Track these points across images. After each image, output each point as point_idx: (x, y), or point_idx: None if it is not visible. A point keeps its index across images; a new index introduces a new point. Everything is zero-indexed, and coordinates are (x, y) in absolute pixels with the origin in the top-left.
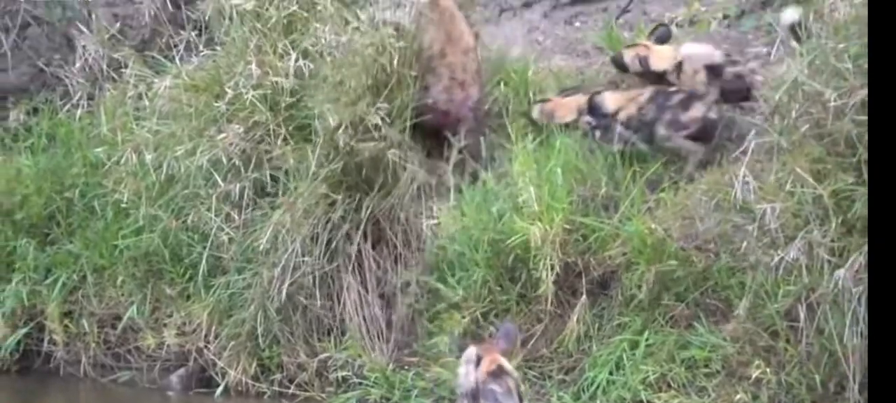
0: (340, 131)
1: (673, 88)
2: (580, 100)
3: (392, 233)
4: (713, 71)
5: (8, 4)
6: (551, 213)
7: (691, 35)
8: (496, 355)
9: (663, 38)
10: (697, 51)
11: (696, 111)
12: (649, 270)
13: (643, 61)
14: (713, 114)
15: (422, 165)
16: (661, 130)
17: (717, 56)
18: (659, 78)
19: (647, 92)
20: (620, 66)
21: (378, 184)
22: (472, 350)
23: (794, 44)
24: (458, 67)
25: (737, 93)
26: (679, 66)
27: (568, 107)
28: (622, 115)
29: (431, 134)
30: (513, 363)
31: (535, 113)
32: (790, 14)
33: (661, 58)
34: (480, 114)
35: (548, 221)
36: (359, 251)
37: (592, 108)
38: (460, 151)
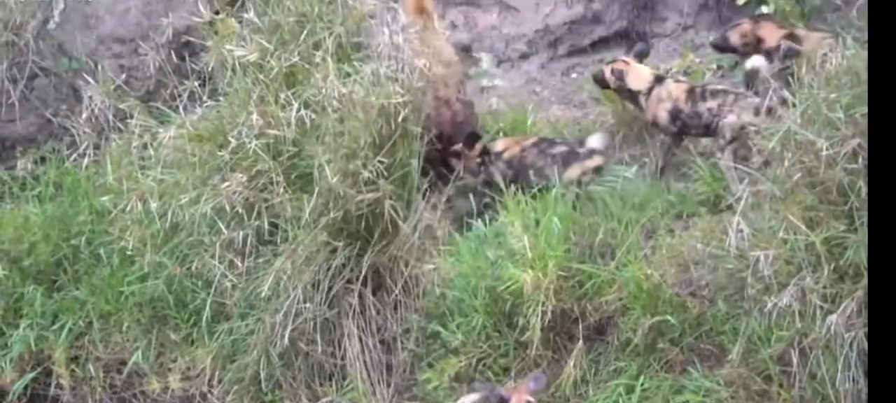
0: (339, 181)
1: (559, 141)
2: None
3: (391, 281)
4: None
5: (16, 56)
6: (545, 261)
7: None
8: (525, 395)
9: (642, 54)
10: (667, 86)
11: (573, 171)
12: (645, 316)
13: (620, 76)
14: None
15: (420, 212)
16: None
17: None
18: (632, 96)
19: (532, 139)
20: (601, 82)
21: (378, 232)
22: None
23: (746, 89)
24: (441, 82)
25: (697, 128)
26: (650, 91)
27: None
28: (506, 155)
29: (427, 159)
30: None
31: None
32: (754, 61)
33: (638, 77)
34: (468, 128)
35: (540, 268)
36: (360, 297)
37: (485, 151)
38: (460, 177)
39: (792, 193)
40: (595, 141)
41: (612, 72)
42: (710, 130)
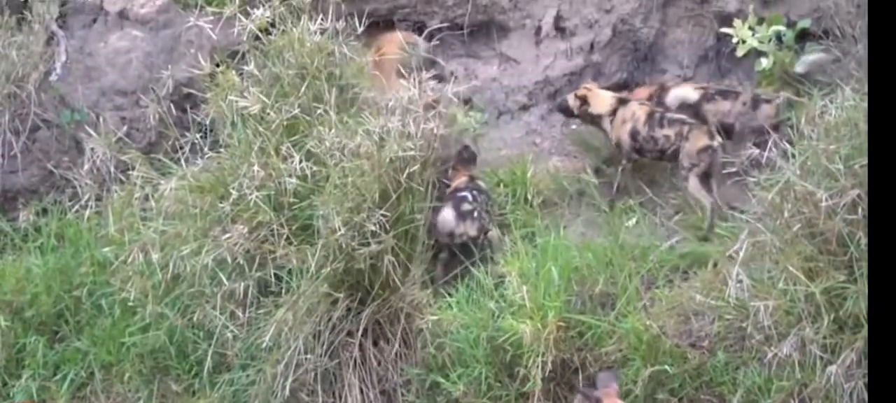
0: (341, 234)
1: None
2: None
3: (392, 332)
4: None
5: (18, 108)
6: (544, 311)
7: None
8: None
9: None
10: (631, 107)
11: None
12: (645, 366)
13: (583, 101)
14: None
15: (422, 265)
16: None
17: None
18: (595, 120)
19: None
20: (565, 110)
21: (378, 284)
22: None
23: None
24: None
25: (652, 152)
26: (613, 113)
27: None
28: None
29: None
30: None
31: None
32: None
33: (600, 102)
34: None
35: (539, 319)
36: (360, 348)
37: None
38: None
39: (792, 244)
40: None
41: (577, 99)
42: (665, 156)
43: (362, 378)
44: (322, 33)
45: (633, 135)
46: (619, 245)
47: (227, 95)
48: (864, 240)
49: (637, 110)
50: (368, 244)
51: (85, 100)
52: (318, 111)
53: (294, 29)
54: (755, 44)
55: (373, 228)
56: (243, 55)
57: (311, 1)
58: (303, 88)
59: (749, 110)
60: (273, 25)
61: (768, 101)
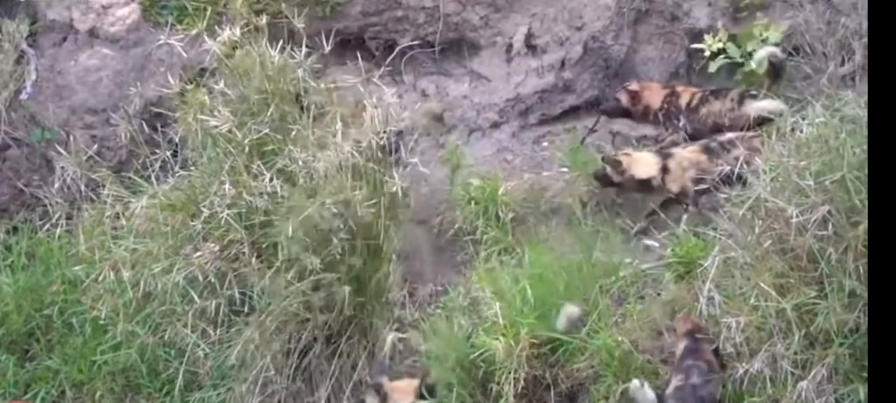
0: (308, 254)
1: None
2: None
3: (363, 350)
4: None
5: None
6: (516, 328)
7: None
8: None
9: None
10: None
11: None
12: (617, 383)
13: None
14: None
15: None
16: None
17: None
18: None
19: None
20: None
21: (349, 304)
22: None
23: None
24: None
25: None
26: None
27: None
28: None
29: None
30: None
31: None
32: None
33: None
34: None
35: (512, 336)
36: (330, 366)
37: None
38: None
39: (762, 260)
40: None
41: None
42: None
43: (331, 398)
44: (286, 53)
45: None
46: (591, 261)
47: (197, 114)
48: (835, 256)
49: None
50: (337, 264)
51: (55, 118)
52: (292, 131)
53: (254, 51)
54: (734, 55)
55: (339, 251)
56: (213, 73)
57: (280, 21)
58: (271, 109)
59: (737, 107)
60: (235, 48)
61: (754, 96)
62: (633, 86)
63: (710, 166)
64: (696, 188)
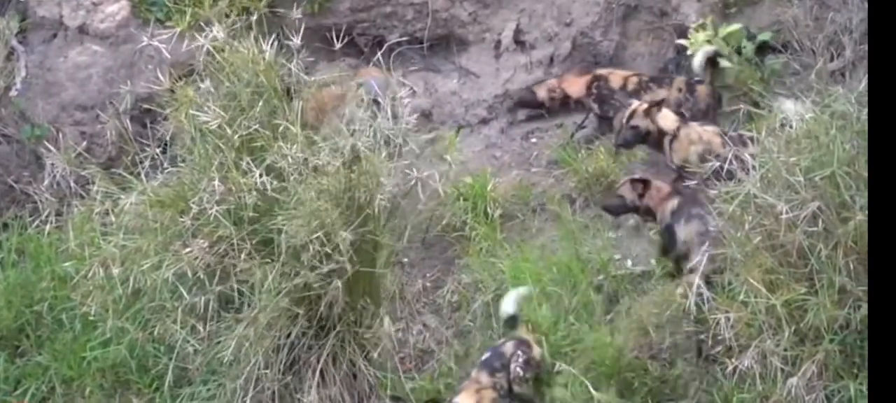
0: (301, 251)
1: None
2: None
3: (353, 348)
4: None
5: None
6: None
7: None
8: None
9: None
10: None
11: None
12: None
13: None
14: None
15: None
16: None
17: None
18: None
19: None
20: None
21: (339, 301)
22: None
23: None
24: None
25: None
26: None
27: None
28: None
29: None
30: None
31: None
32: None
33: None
34: None
35: None
36: (320, 363)
37: None
38: None
39: (752, 256)
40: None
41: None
42: None
43: (322, 395)
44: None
45: None
46: (580, 258)
47: (187, 111)
48: (825, 252)
49: None
50: (328, 261)
51: (45, 115)
52: (281, 127)
53: (243, 47)
54: (720, 45)
55: (330, 249)
56: (203, 69)
57: (270, 17)
58: (259, 105)
59: (687, 95)
60: (225, 44)
61: (701, 83)
62: (552, 81)
63: (722, 150)
64: (697, 169)
